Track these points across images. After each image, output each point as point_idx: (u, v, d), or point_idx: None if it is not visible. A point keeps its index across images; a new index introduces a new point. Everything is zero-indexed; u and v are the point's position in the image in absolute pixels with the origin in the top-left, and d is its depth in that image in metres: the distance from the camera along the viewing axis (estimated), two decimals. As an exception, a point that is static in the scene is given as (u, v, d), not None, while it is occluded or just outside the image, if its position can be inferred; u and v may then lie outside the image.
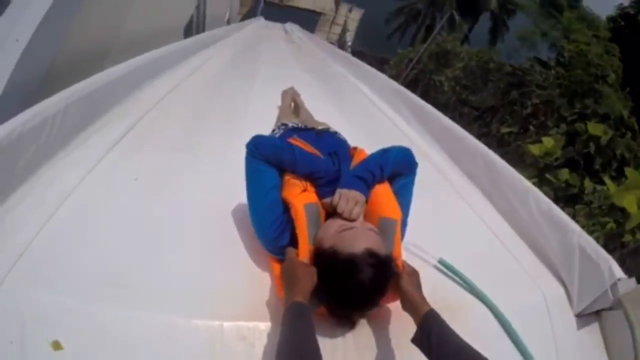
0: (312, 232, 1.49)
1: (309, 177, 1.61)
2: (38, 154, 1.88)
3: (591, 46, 5.32)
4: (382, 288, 1.38)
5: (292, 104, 3.31)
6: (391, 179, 1.70)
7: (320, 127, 2.33)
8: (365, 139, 1.92)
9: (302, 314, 1.26)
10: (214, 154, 2.43)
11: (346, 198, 1.49)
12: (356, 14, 21.14)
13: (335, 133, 2.22)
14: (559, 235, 1.97)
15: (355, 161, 1.78)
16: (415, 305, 1.35)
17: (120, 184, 2.01)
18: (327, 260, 1.38)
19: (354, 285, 1.33)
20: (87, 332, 1.31)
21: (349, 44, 10.04)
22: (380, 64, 9.10)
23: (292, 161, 1.61)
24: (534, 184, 2.32)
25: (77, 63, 3.37)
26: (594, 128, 4.23)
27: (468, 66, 6.64)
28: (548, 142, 4.22)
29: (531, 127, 5.06)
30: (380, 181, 1.65)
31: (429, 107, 3.53)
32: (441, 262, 1.82)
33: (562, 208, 3.31)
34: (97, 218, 1.76)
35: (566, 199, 3.81)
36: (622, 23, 7.99)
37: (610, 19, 8.22)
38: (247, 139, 1.64)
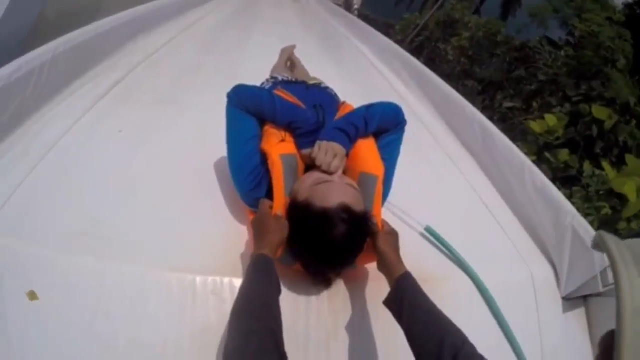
0: (289, 184, 1.42)
1: (289, 126, 1.53)
2: (24, 106, 1.88)
3: (604, 28, 5.17)
4: (356, 246, 1.32)
5: (289, 62, 3.20)
6: (377, 135, 1.62)
7: (312, 82, 2.23)
8: (360, 97, 1.85)
9: (265, 268, 1.20)
10: (201, 108, 2.36)
11: (325, 150, 1.42)
12: (366, -23, 20.62)
13: (326, 88, 2.15)
14: (553, 215, 1.90)
15: (341, 114, 1.70)
16: (391, 267, 1.28)
17: (105, 136, 1.99)
18: (300, 214, 1.32)
19: (327, 241, 1.26)
20: (62, 283, 1.30)
21: (356, 7, 9.77)
22: (386, 29, 8.91)
23: (271, 110, 1.54)
24: (533, 162, 2.24)
25: (66, 16, 3.29)
26: (599, 111, 4.13)
27: (475, 36, 6.48)
28: (550, 119, 4.12)
29: (534, 104, 4.96)
30: (365, 136, 1.57)
31: (430, 73, 3.43)
32: (428, 229, 1.75)
33: (559, 189, 3.23)
34: (79, 170, 1.74)
35: (564, 180, 3.74)
36: (639, 11, 7.78)
37: (627, 5, 8.03)
38: None
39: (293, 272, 1.40)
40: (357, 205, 1.31)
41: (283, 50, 3.17)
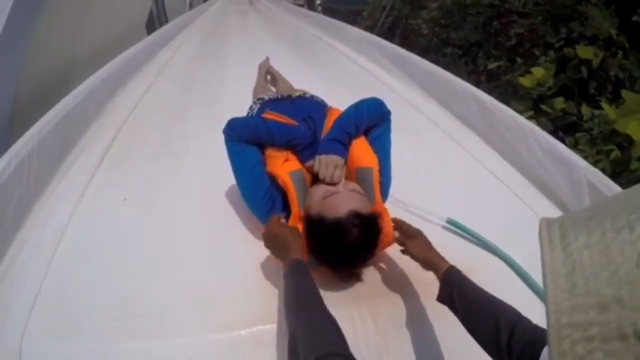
0: (302, 196, 1.56)
1: (288, 146, 1.66)
2: (24, 198, 1.83)
3: (568, -37, 5.11)
4: (372, 243, 1.45)
5: (269, 76, 3.20)
6: (366, 131, 1.73)
7: (296, 94, 2.27)
8: (347, 96, 1.84)
9: (302, 269, 1.29)
10: (198, 151, 2.36)
11: (325, 164, 1.55)
12: (322, -31, 20.46)
13: (312, 97, 2.22)
14: (565, 172, 1.90)
15: (329, 120, 1.79)
16: (434, 265, 1.36)
17: (111, 208, 1.95)
18: (317, 227, 1.45)
19: (344, 246, 1.39)
20: None
21: (319, 2, 9.75)
22: (354, 17, 8.90)
23: (268, 135, 1.66)
24: (530, 117, 2.22)
25: (42, 91, 3.27)
26: (584, 51, 4.09)
27: (444, 5, 6.46)
28: (538, 72, 4.09)
29: (518, 59, 4.91)
30: (357, 136, 1.68)
31: (409, 55, 3.42)
32: (450, 221, 1.75)
33: (563, 138, 3.20)
34: (96, 251, 1.71)
35: (565, 127, 3.71)
36: None
37: None
38: None
39: (320, 272, 1.45)
40: (365, 208, 1.44)
41: (260, 66, 3.22)
